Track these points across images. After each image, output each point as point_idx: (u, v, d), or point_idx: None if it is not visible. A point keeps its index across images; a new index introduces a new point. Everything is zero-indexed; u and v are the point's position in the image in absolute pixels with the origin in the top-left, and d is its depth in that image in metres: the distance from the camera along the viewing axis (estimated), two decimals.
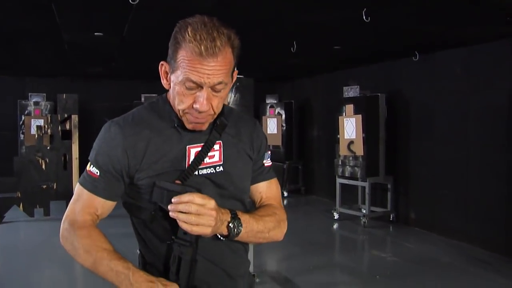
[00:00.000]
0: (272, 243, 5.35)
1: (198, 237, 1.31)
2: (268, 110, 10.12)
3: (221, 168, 1.45)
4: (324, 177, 9.38)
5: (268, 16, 4.64)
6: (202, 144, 1.42)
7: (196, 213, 1.26)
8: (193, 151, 1.42)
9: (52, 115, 7.91)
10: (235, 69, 1.41)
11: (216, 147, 1.45)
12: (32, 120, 9.47)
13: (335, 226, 7.52)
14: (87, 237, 1.37)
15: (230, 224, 1.35)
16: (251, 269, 4.34)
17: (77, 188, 1.44)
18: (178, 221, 1.27)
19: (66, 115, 7.76)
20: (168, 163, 1.39)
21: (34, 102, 9.65)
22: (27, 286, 4.75)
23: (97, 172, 1.39)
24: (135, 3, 3.68)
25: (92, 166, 1.41)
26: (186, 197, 1.26)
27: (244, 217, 1.39)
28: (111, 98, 10.28)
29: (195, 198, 1.26)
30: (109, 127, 1.42)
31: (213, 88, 1.32)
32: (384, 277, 4.99)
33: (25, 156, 7.73)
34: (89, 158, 1.44)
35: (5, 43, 6.16)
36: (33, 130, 8.81)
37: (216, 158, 1.45)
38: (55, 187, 7.35)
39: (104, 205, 1.42)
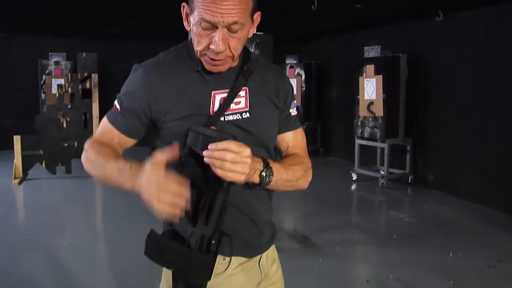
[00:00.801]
0: (290, 202, 5.42)
1: (230, 184, 1.30)
2: (288, 71, 10.04)
3: (248, 115, 1.45)
4: (343, 138, 9.35)
5: None
6: (228, 90, 1.42)
7: (231, 160, 1.23)
8: (218, 97, 1.41)
9: (72, 74, 7.96)
10: (256, 10, 1.38)
11: (242, 93, 1.45)
12: (52, 79, 9.55)
13: (353, 187, 7.55)
14: (99, 145, 1.41)
15: (262, 173, 1.34)
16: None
17: (103, 119, 1.50)
18: (212, 167, 1.25)
19: (86, 74, 7.79)
20: (192, 106, 1.39)
21: (54, 61, 9.71)
22: (50, 239, 4.89)
23: (118, 107, 1.44)
24: None
25: (116, 101, 1.45)
26: (223, 144, 1.24)
27: (275, 166, 1.39)
28: (130, 57, 10.23)
29: (232, 145, 1.24)
30: (135, 69, 1.45)
31: (228, 28, 1.30)
32: (401, 237, 5.02)
33: (46, 115, 7.82)
34: (117, 94, 1.49)
35: (24, 2, 6.15)
36: (54, 89, 8.90)
37: (242, 105, 1.44)
38: (76, 145, 7.45)
39: (120, 138, 1.45)
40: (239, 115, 1.43)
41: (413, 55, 7.29)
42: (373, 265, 4.48)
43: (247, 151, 1.26)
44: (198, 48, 1.35)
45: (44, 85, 9.67)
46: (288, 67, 10.06)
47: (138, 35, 9.86)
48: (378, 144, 7.44)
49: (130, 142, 1.48)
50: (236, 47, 1.35)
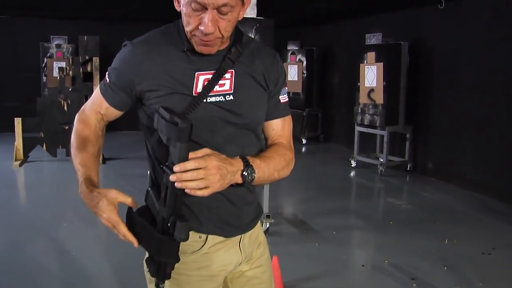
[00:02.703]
0: (289, 186, 5.46)
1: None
2: (289, 57, 10.03)
3: (231, 97, 1.44)
4: (343, 125, 9.36)
5: None
6: (213, 72, 1.42)
7: (203, 177, 1.26)
8: (202, 78, 1.41)
9: (73, 57, 7.96)
10: None
11: (228, 75, 1.44)
12: (54, 62, 9.56)
13: (352, 173, 7.58)
14: (81, 132, 1.53)
15: (244, 172, 1.36)
16: (265, 210, 4.47)
17: (96, 88, 1.56)
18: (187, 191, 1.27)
19: (87, 57, 7.80)
20: (175, 85, 1.40)
21: (56, 44, 9.71)
22: (51, 219, 4.94)
23: (107, 80, 1.49)
24: None
25: (107, 74, 1.50)
26: (185, 165, 1.25)
27: (255, 163, 1.40)
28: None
29: (193, 164, 1.25)
30: (124, 45, 1.49)
31: (218, 10, 1.30)
32: (398, 223, 5.06)
33: (47, 98, 7.84)
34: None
35: None
36: (55, 72, 8.90)
37: (227, 87, 1.44)
38: None
39: (108, 110, 1.52)
40: (222, 97, 1.43)
41: (414, 43, 7.27)
42: (369, 250, 4.53)
43: (212, 163, 1.27)
44: (187, 28, 1.35)
45: (45, 68, 9.68)
46: (289, 53, 10.04)
47: (141, 18, 9.82)
48: (378, 132, 7.46)
49: (117, 114, 1.55)
50: (226, 28, 1.34)
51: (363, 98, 7.50)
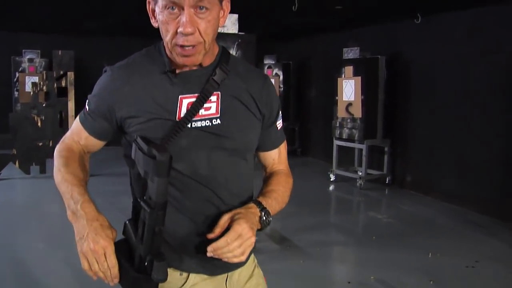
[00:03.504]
0: None
1: (164, 204, 1.20)
2: (266, 71, 10.02)
3: (218, 121, 1.35)
4: (321, 138, 9.37)
5: None
6: (197, 94, 1.33)
7: (240, 245, 1.25)
8: (185, 101, 1.33)
9: (47, 72, 7.80)
10: None
11: (213, 98, 1.35)
12: (26, 77, 9.35)
13: (331, 187, 7.56)
14: (65, 157, 1.40)
15: (262, 218, 1.35)
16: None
17: (76, 118, 1.48)
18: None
19: (61, 72, 7.64)
20: (157, 109, 1.32)
21: (28, 59, 9.51)
22: (23, 241, 4.77)
23: (87, 108, 1.42)
24: None
25: (87, 102, 1.43)
26: (218, 244, 1.25)
27: (268, 203, 1.39)
28: (107, 55, 10.11)
29: (231, 237, 1.25)
30: (104, 71, 1.42)
31: (195, 9, 1.24)
32: (380, 237, 5.04)
33: (20, 113, 7.65)
34: None
35: None
36: (28, 87, 8.71)
37: (213, 110, 1.35)
38: (51, 144, 7.30)
39: (88, 139, 1.44)
40: (208, 122, 1.34)
41: (392, 57, 7.34)
42: (354, 266, 4.49)
43: (243, 228, 1.26)
44: (167, 38, 1.28)
45: (17, 83, 9.45)
46: (266, 67, 10.04)
47: (116, 32, 9.71)
48: (356, 145, 7.48)
49: (99, 144, 1.46)
50: (207, 31, 1.27)
51: (341, 112, 7.51)
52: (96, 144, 1.46)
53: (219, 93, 1.36)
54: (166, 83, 1.34)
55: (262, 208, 1.35)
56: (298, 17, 6.93)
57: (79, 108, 8.55)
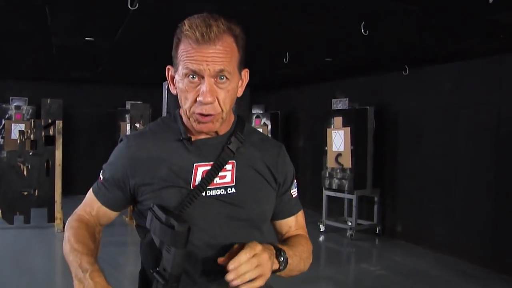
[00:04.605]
0: None
1: (179, 277, 1.18)
2: (254, 120, 10.07)
3: (233, 190, 1.33)
4: (310, 188, 9.34)
5: (265, 25, 4.60)
6: (212, 162, 1.32)
7: (258, 263, 1.18)
8: (200, 169, 1.31)
9: (35, 120, 7.73)
10: (243, 65, 1.34)
11: (229, 167, 1.34)
12: (12, 124, 9.26)
13: (321, 238, 7.48)
14: (75, 228, 1.34)
15: (280, 258, 1.29)
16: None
17: (89, 190, 1.45)
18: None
19: (50, 120, 7.58)
20: (172, 177, 1.30)
21: (15, 106, 9.45)
22: None
23: (101, 178, 1.40)
24: (134, 8, 3.60)
25: (101, 172, 1.41)
26: (240, 258, 1.16)
27: (284, 248, 1.33)
28: (96, 104, 10.12)
29: (248, 253, 1.17)
30: (120, 139, 1.43)
31: (216, 79, 1.24)
32: None
33: (5, 161, 7.52)
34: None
35: None
36: (14, 135, 8.61)
37: (228, 179, 1.33)
38: (36, 193, 7.16)
39: (100, 210, 1.39)
40: (223, 190, 1.32)
41: (380, 108, 7.44)
42: None
43: (258, 247, 1.19)
44: (185, 106, 1.28)
45: (3, 130, 9.35)
46: (254, 117, 10.10)
47: (104, 81, 9.74)
48: (346, 196, 7.46)
49: (111, 215, 1.42)
50: (225, 100, 1.27)
51: (331, 162, 7.53)
52: (108, 214, 1.42)
53: (234, 161, 1.35)
54: (182, 151, 1.33)
55: (276, 247, 1.30)
56: (288, 68, 7.03)
57: (66, 157, 8.44)
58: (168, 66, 1.34)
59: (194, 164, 1.31)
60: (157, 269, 1.19)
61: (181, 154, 1.32)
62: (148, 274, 1.33)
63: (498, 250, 5.63)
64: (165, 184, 1.29)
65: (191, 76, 1.24)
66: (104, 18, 4.44)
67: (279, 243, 1.41)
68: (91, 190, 1.42)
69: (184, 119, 1.33)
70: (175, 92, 1.32)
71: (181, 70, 1.25)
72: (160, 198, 1.28)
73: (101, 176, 1.39)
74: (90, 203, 1.41)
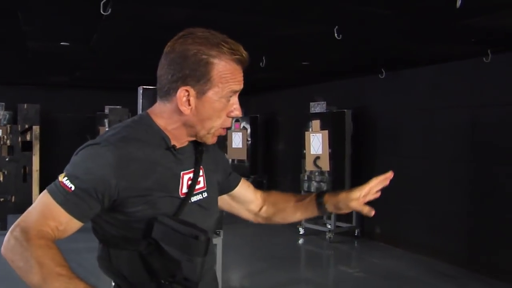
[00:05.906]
0: (237, 258, 5.33)
1: (197, 285, 1.24)
2: (233, 124, 10.08)
3: (206, 194, 1.43)
4: (289, 191, 9.31)
5: (241, 30, 4.61)
6: (192, 170, 1.39)
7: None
8: (186, 177, 1.38)
9: (12, 126, 7.65)
10: None
11: (201, 172, 1.43)
12: None
13: (301, 241, 7.51)
14: (45, 247, 1.15)
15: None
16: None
17: (43, 196, 1.24)
18: None
19: (27, 126, 7.51)
20: (165, 187, 1.32)
21: None
22: None
23: (71, 187, 1.21)
24: (107, 13, 3.59)
25: (66, 178, 1.23)
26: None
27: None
28: (73, 109, 10.02)
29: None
30: (97, 144, 1.28)
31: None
32: None
33: None
34: (64, 169, 1.27)
35: None
36: None
37: (202, 184, 1.43)
38: (13, 199, 7.08)
39: (69, 223, 1.22)
40: (200, 195, 1.41)
41: (357, 110, 7.50)
42: None
43: None
44: (216, 123, 1.34)
45: None
46: (233, 120, 10.10)
47: (82, 86, 9.66)
48: None
49: (78, 226, 1.25)
50: None
51: (309, 166, 7.57)
52: (76, 228, 1.26)
53: (202, 167, 1.44)
54: (171, 160, 1.35)
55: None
56: (265, 72, 7.05)
57: (44, 162, 8.30)
58: (187, 88, 1.29)
59: (181, 172, 1.36)
60: (175, 279, 1.23)
61: (170, 163, 1.35)
62: (141, 285, 1.30)
63: (474, 251, 5.70)
64: (161, 194, 1.30)
65: (233, 95, 1.33)
66: (77, 24, 4.42)
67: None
68: (51, 199, 1.22)
69: (201, 134, 1.36)
70: (188, 112, 1.31)
71: (222, 90, 1.31)
72: (155, 208, 1.27)
73: (70, 185, 1.21)
74: (55, 216, 1.21)
